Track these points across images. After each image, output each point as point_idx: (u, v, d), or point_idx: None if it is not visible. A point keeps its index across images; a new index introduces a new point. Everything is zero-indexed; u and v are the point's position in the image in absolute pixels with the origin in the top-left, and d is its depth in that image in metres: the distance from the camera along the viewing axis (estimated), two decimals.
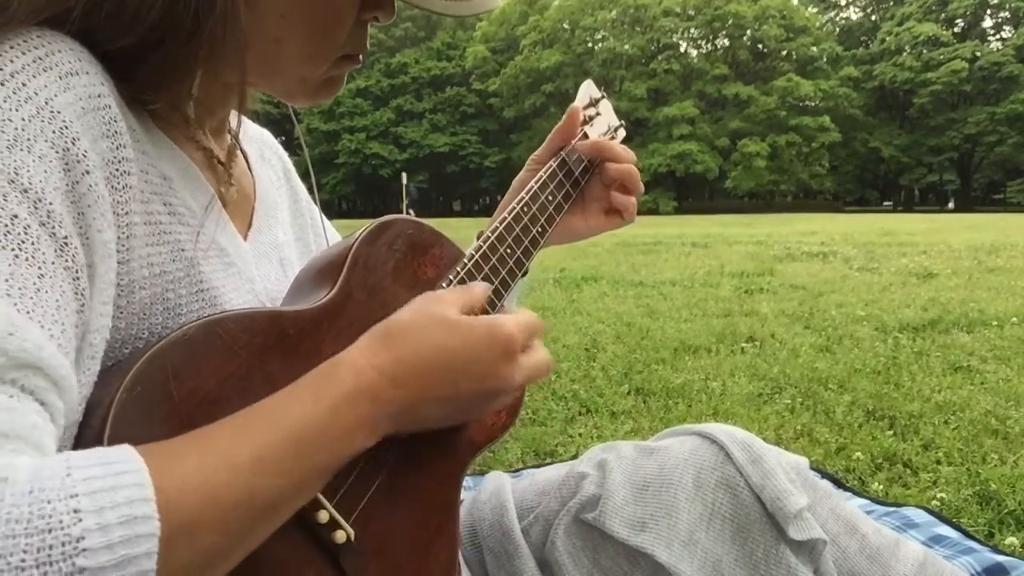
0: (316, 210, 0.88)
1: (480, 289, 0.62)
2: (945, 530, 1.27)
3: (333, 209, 54.05)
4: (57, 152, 0.43)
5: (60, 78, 0.45)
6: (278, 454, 0.43)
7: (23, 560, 0.32)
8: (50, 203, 0.42)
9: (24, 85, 0.43)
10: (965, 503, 1.68)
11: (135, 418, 0.43)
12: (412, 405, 0.52)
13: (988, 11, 49.36)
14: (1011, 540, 1.47)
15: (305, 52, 0.60)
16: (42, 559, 0.32)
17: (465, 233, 0.82)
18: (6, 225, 0.40)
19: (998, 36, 49.86)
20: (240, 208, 0.69)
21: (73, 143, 0.44)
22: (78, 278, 0.44)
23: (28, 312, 0.39)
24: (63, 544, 0.33)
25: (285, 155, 0.87)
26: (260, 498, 0.42)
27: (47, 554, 0.32)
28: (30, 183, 0.41)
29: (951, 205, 50.47)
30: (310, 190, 0.88)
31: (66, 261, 0.43)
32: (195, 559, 0.38)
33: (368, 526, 0.55)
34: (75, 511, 0.33)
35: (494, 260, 0.71)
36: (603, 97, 0.94)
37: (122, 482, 0.35)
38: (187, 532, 0.37)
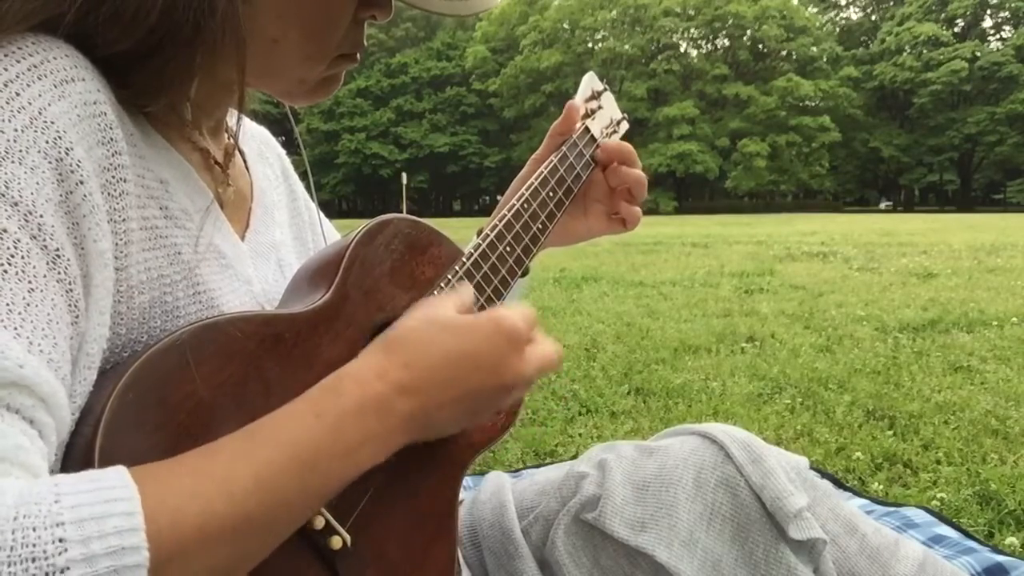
0: (315, 208, 0.88)
1: (468, 290, 0.61)
2: (945, 530, 1.27)
3: (333, 209, 54.06)
4: (50, 163, 0.43)
5: (55, 86, 0.44)
6: (278, 477, 0.42)
7: None
8: (41, 215, 0.41)
9: (18, 95, 0.42)
10: (965, 503, 1.68)
11: (127, 425, 0.43)
12: (425, 411, 0.50)
13: (988, 11, 49.36)
14: (1011, 540, 1.47)
15: (303, 52, 0.59)
16: None
17: (465, 233, 0.82)
18: None
19: (998, 36, 49.88)
20: (237, 208, 0.69)
21: (67, 153, 0.44)
22: (71, 290, 0.43)
23: (15, 329, 0.39)
24: (46, 575, 0.32)
25: (283, 153, 0.86)
26: (258, 523, 0.41)
27: None
28: (20, 196, 0.41)
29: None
30: (308, 190, 0.87)
31: (58, 274, 0.42)
32: None
33: (365, 531, 0.54)
34: (60, 540, 0.33)
35: (493, 258, 0.69)
36: (605, 90, 0.93)
37: (112, 510, 0.34)
38: (179, 560, 0.36)
